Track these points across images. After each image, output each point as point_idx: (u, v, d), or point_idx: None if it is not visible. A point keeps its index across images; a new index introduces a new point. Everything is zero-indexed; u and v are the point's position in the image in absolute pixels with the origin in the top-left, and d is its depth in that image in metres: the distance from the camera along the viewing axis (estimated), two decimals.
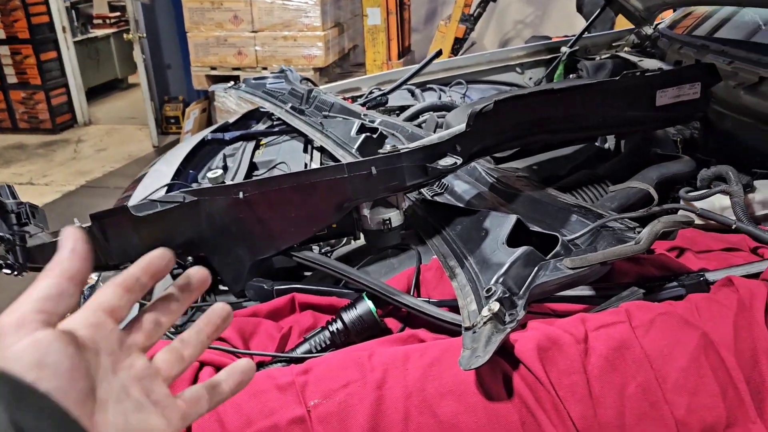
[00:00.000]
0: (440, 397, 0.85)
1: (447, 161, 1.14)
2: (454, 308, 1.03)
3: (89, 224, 1.16)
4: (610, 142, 1.66)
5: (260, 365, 1.05)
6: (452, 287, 1.11)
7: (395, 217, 1.20)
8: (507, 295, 0.92)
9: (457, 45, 5.03)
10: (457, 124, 1.96)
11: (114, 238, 1.16)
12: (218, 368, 0.98)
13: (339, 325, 1.05)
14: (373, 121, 1.94)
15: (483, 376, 0.85)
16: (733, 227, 1.09)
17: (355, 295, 1.13)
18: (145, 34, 6.14)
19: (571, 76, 2.39)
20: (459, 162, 1.13)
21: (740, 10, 2.56)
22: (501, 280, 0.98)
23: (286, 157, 1.98)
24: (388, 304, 1.07)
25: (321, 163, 1.97)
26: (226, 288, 1.31)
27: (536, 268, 0.97)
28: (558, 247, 1.01)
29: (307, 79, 2.52)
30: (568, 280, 0.93)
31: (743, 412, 0.80)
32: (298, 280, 1.30)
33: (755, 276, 0.96)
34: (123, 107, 8.35)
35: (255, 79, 2.60)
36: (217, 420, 0.88)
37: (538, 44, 2.91)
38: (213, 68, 5.02)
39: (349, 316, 1.05)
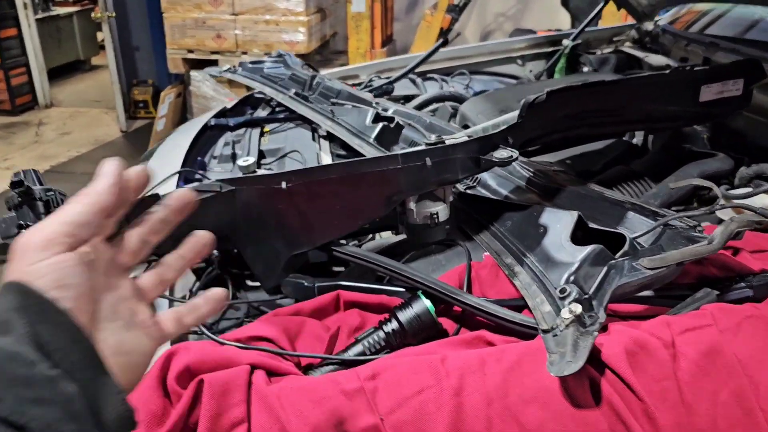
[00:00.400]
0: (524, 404, 0.80)
1: (502, 154, 1.09)
2: (517, 308, 0.98)
3: None
4: (638, 138, 1.63)
5: (308, 368, 0.98)
6: (510, 286, 1.07)
7: (443, 211, 1.14)
8: (585, 297, 0.87)
9: (443, 35, 4.97)
10: (473, 114, 1.92)
11: None
12: (269, 371, 0.92)
13: (394, 324, 0.99)
14: (386, 110, 1.88)
15: (568, 382, 0.80)
16: None
17: (405, 294, 1.07)
18: (114, 14, 5.91)
19: (585, 69, 2.36)
20: (515, 155, 1.08)
21: (736, 6, 2.58)
22: (572, 279, 0.93)
23: (296, 146, 1.90)
24: (444, 303, 1.02)
25: (331, 153, 1.90)
26: (256, 283, 1.24)
27: (606, 268, 0.93)
28: (626, 247, 0.97)
29: (309, 65, 2.43)
30: (648, 281, 0.90)
31: None
32: (331, 277, 1.24)
33: None
34: (86, 90, 8.04)
35: (252, 62, 2.50)
36: (281, 428, 0.82)
37: (539, 37, 2.89)
38: (190, 51, 4.85)
39: (405, 315, 0.99)
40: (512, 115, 1.21)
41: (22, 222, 0.90)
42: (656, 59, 2.41)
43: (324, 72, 2.66)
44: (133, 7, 6.34)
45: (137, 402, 0.84)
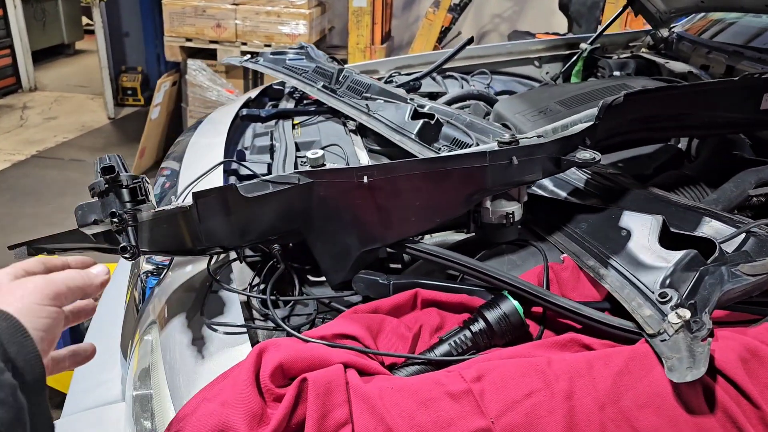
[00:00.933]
0: (638, 409, 0.79)
1: (584, 155, 1.08)
2: (602, 311, 0.97)
3: (181, 204, 1.03)
4: (683, 144, 1.64)
5: (391, 367, 0.96)
6: (591, 288, 1.06)
7: (518, 211, 1.13)
8: (691, 302, 0.87)
9: (443, 34, 4.97)
10: (511, 114, 1.90)
11: (209, 218, 1.04)
12: (360, 371, 0.89)
13: (482, 324, 0.97)
14: (422, 106, 1.86)
15: (682, 387, 0.79)
16: None
17: (485, 293, 1.05)
18: None
19: (616, 73, 2.36)
20: (598, 157, 1.07)
21: (745, 15, 2.62)
22: (668, 283, 0.93)
23: (330, 139, 1.87)
24: (531, 304, 1.00)
25: (365, 147, 1.87)
26: (319, 278, 1.21)
27: (698, 273, 0.92)
28: (716, 253, 0.96)
29: (334, 58, 2.40)
30: (749, 288, 0.89)
31: None
32: (395, 273, 1.21)
33: None
34: (71, 74, 7.85)
35: (273, 53, 2.45)
36: (387, 430, 0.79)
37: (557, 39, 2.90)
38: (188, 39, 4.76)
39: (492, 315, 0.97)
40: (585, 115, 1.20)
41: (114, 210, 0.86)
42: (677, 66, 2.43)
43: (349, 66, 2.63)
44: None
45: (234, 399, 0.81)
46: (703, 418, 0.78)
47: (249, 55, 2.45)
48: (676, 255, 0.96)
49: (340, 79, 2.18)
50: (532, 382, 0.82)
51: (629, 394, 0.80)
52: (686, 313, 0.84)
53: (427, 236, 1.35)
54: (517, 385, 0.82)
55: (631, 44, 2.86)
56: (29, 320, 0.62)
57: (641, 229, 1.04)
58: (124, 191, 0.89)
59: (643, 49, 2.78)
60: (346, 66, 2.29)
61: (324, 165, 1.18)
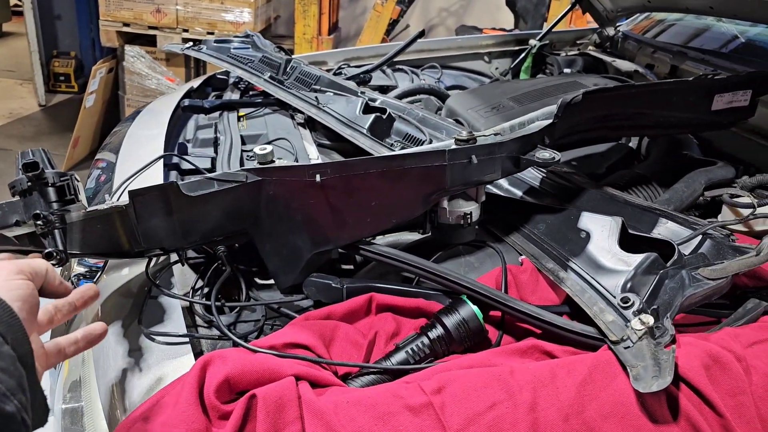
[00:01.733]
0: (602, 419, 0.77)
1: (544, 154, 1.05)
2: (560, 315, 0.95)
3: (116, 204, 0.95)
4: (632, 143, 1.65)
5: (345, 377, 0.91)
6: (552, 293, 1.03)
7: (476, 211, 1.09)
8: (654, 307, 0.85)
9: (391, 27, 4.92)
10: (462, 109, 1.87)
11: (147, 218, 0.96)
12: (312, 383, 0.83)
13: (440, 330, 0.93)
14: (373, 100, 1.80)
15: (645, 396, 0.77)
16: None
17: (444, 298, 1.01)
18: None
19: (559, 71, 2.37)
20: (558, 157, 1.04)
21: (686, 16, 2.68)
22: (628, 287, 0.91)
23: (277, 132, 1.79)
24: (490, 308, 0.97)
25: (314, 142, 1.81)
26: (267, 282, 1.15)
27: (657, 277, 0.91)
28: (675, 256, 0.95)
29: (281, 48, 2.31)
30: (710, 292, 0.88)
31: None
32: (349, 276, 1.16)
33: None
34: None
35: (216, 41, 2.34)
36: None
37: (506, 35, 2.89)
38: (126, 24, 4.54)
39: (451, 320, 0.93)
40: (542, 113, 1.17)
41: (38, 212, 0.77)
42: (623, 64, 2.46)
43: (297, 56, 2.54)
44: None
45: (175, 419, 0.75)
46: (666, 427, 0.76)
47: (192, 43, 2.33)
48: (637, 258, 0.94)
49: (288, 70, 2.10)
50: (495, 393, 0.78)
51: (593, 404, 0.78)
52: (649, 319, 0.82)
53: (379, 236, 1.31)
54: (479, 397, 0.78)
55: (578, 42, 2.89)
56: (5, 294, 0.66)
57: (600, 230, 1.02)
58: (50, 190, 0.81)
59: (590, 47, 2.81)
60: (294, 57, 2.22)
61: (273, 161, 1.11)
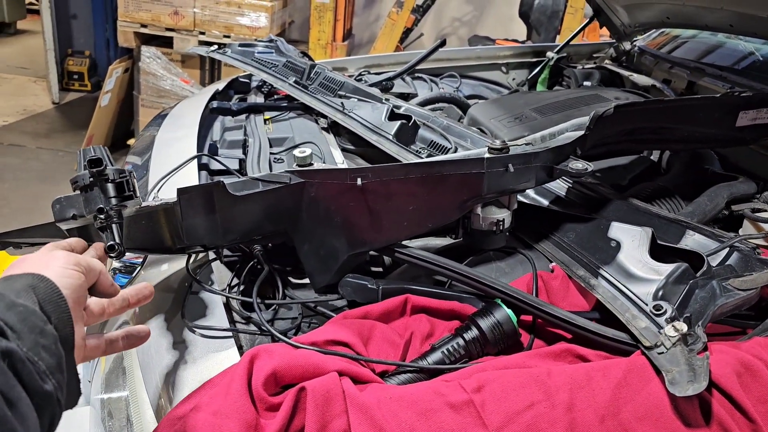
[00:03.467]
0: (636, 421, 0.79)
1: (577, 165, 1.08)
2: (593, 321, 0.97)
3: (165, 200, 0.98)
4: (654, 155, 1.68)
5: (382, 375, 0.94)
6: (581, 299, 1.06)
7: (508, 218, 1.12)
8: (687, 315, 0.88)
9: (404, 35, 4.97)
10: (486, 119, 1.91)
11: (192, 215, 1.00)
12: (354, 379, 0.86)
13: (475, 332, 0.96)
14: (398, 107, 1.84)
15: (679, 400, 0.80)
16: None
17: (476, 301, 1.04)
18: None
19: (578, 84, 2.40)
20: (590, 168, 1.08)
21: (702, 32, 2.71)
22: (660, 295, 0.94)
23: (303, 136, 1.83)
24: (523, 312, 1.00)
25: (338, 146, 1.84)
26: (302, 281, 1.18)
27: (688, 287, 0.94)
28: (704, 267, 0.98)
29: (305, 54, 2.35)
30: (740, 303, 0.91)
31: None
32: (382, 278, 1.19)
33: None
34: (11, 55, 7.46)
35: (241, 45, 2.38)
36: None
37: (524, 46, 2.93)
38: (143, 26, 4.59)
39: (486, 323, 0.96)
40: (574, 124, 1.20)
41: (101, 206, 0.80)
42: (640, 79, 2.49)
43: (318, 62, 2.58)
44: None
45: (228, 409, 0.77)
46: (699, 430, 0.79)
47: (216, 46, 2.37)
48: (668, 267, 0.97)
49: (312, 75, 2.14)
50: (533, 393, 0.81)
51: (628, 406, 0.80)
52: (683, 327, 0.85)
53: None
54: (518, 396, 0.81)
55: (594, 55, 2.92)
56: (58, 280, 0.69)
57: (631, 240, 1.05)
58: (110, 186, 0.84)
59: (606, 61, 2.85)
60: (317, 62, 2.25)
61: (311, 164, 1.14)
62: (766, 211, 1.33)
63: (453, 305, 1.03)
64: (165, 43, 4.70)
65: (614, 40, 2.86)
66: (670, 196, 1.40)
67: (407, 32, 5.02)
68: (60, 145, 4.93)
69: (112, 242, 0.83)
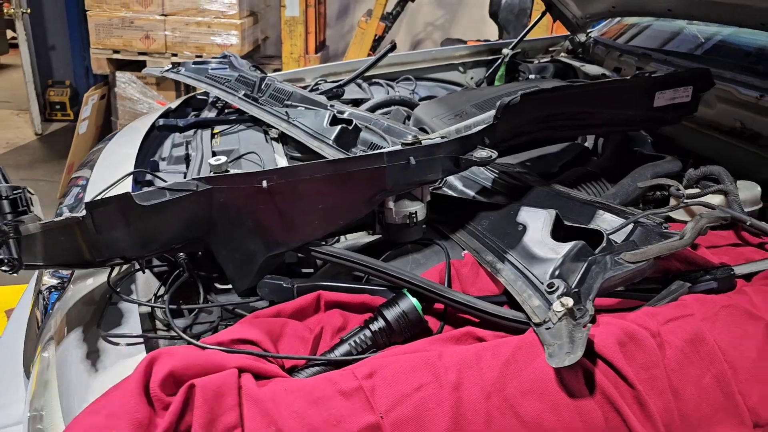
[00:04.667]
0: (521, 396, 0.82)
1: (482, 153, 1.11)
2: (498, 304, 1.00)
3: (73, 215, 1.01)
4: (589, 142, 1.70)
5: (293, 370, 0.96)
6: (490, 283, 1.08)
7: (421, 210, 1.15)
8: (575, 290, 0.90)
9: (375, 42, 5.01)
10: (429, 118, 1.94)
11: (106, 228, 1.02)
12: (256, 375, 0.89)
13: (381, 323, 0.98)
14: (342, 112, 1.87)
15: (563, 373, 0.82)
16: (747, 224, 1.15)
17: (388, 293, 1.07)
18: (29, 10, 5.58)
19: (531, 77, 2.43)
20: (494, 155, 1.10)
21: (658, 20, 2.74)
22: (557, 274, 0.96)
23: (249, 147, 1.86)
24: (429, 300, 1.02)
25: (285, 155, 1.87)
26: (226, 286, 1.20)
27: (587, 263, 0.96)
28: (603, 243, 1.01)
29: (257, 67, 2.39)
30: (630, 275, 0.93)
31: None
32: (301, 278, 1.21)
33: None
34: None
35: (195, 63, 2.42)
36: (277, 431, 0.79)
37: (480, 45, 2.96)
38: (116, 51, 4.64)
39: (392, 313, 0.98)
40: (487, 116, 1.23)
41: None
42: (592, 69, 2.52)
43: (275, 74, 2.62)
44: (50, 3, 6.00)
45: (120, 410, 0.80)
46: (582, 401, 0.81)
47: (170, 65, 2.41)
48: (566, 246, 1.00)
49: (262, 87, 2.17)
50: (423, 375, 0.83)
51: (514, 382, 0.82)
52: (569, 301, 0.87)
53: (342, 238, 1.36)
54: (407, 380, 0.83)
55: (551, 49, 2.95)
56: None
57: (535, 223, 1.08)
58: (4, 202, 0.87)
59: (562, 54, 2.88)
60: (270, 75, 2.29)
61: (227, 172, 1.17)
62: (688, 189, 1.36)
63: (364, 298, 1.05)
64: (139, 67, 4.75)
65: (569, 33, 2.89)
66: (596, 180, 1.43)
67: (379, 40, 5.06)
68: (41, 175, 4.97)
69: (2, 256, 0.86)
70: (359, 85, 2.58)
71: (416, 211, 1.14)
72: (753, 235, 1.23)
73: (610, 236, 1.08)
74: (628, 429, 0.80)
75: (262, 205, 1.06)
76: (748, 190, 1.40)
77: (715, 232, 1.26)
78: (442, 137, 1.20)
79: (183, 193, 1.04)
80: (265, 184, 1.04)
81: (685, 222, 1.31)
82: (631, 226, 1.08)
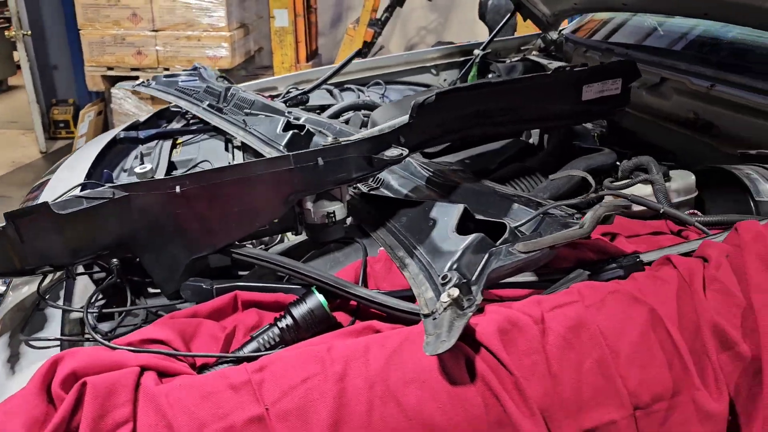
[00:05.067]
0: (404, 385, 0.84)
1: (393, 152, 1.14)
2: (408, 298, 1.02)
3: (2, 224, 1.05)
4: (534, 138, 1.72)
5: (204, 367, 0.99)
6: (403, 278, 1.11)
7: (339, 210, 1.18)
8: (464, 281, 0.92)
9: (366, 48, 5.05)
10: (382, 121, 1.96)
11: (31, 239, 1.06)
12: (161, 373, 0.92)
13: (288, 320, 1.01)
14: (298, 119, 1.91)
15: (445, 361, 0.84)
16: (661, 211, 1.16)
17: (301, 291, 1.09)
18: (29, 32, 5.71)
19: (489, 76, 2.46)
20: (405, 153, 1.13)
21: (635, 15, 2.75)
22: (455, 266, 0.98)
23: (208, 156, 1.90)
24: (338, 297, 1.05)
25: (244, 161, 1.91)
26: (157, 290, 1.24)
27: (487, 254, 0.98)
28: (506, 234, 1.03)
29: (224, 77, 2.44)
30: (522, 264, 0.95)
31: (688, 381, 0.85)
32: (236, 279, 1.25)
33: (688, 255, 1.02)
34: (1, 111, 7.71)
35: (166, 76, 2.48)
36: (167, 426, 0.82)
37: (451, 47, 2.98)
38: (110, 68, 4.75)
39: (298, 310, 1.01)
40: (405, 117, 1.26)
41: None
42: (556, 65, 2.53)
43: (247, 84, 2.68)
44: (51, 24, 6.14)
45: (17, 408, 0.83)
46: (462, 388, 0.83)
47: (141, 80, 2.47)
48: (467, 240, 1.02)
49: (227, 97, 2.22)
50: (310, 367, 0.86)
51: (398, 372, 0.85)
52: (455, 292, 0.89)
53: (286, 239, 1.40)
54: (295, 372, 0.86)
55: (523, 48, 2.97)
56: None
57: (444, 218, 1.10)
58: None
59: (534, 52, 2.89)
60: (236, 85, 2.34)
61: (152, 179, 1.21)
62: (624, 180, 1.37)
63: (278, 297, 1.08)
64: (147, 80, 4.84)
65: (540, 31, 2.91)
66: (531, 174, 1.44)
67: (369, 46, 5.11)
68: None
69: None
70: (330, 92, 2.62)
71: (334, 211, 1.17)
72: (677, 224, 1.24)
73: (523, 228, 1.10)
74: (506, 414, 0.82)
75: (179, 210, 1.09)
76: (681, 179, 1.41)
77: (642, 221, 1.27)
78: (362, 138, 1.22)
79: (100, 201, 1.07)
80: (178, 189, 1.07)
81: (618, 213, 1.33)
82: (540, 218, 1.10)
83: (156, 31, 4.65)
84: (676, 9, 2.00)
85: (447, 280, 0.94)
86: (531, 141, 1.72)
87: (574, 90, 1.38)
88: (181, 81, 2.46)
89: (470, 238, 1.01)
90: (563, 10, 2.68)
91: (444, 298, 0.89)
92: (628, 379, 0.85)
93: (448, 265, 0.99)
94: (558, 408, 0.84)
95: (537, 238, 0.98)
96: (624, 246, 1.15)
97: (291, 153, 1.08)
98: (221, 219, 1.11)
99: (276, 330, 1.01)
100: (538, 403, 0.83)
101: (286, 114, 1.95)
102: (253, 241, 1.35)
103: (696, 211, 1.38)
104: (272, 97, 2.44)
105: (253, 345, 1.00)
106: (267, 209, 1.12)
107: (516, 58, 2.84)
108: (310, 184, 1.11)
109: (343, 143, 1.11)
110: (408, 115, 1.20)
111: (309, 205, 1.17)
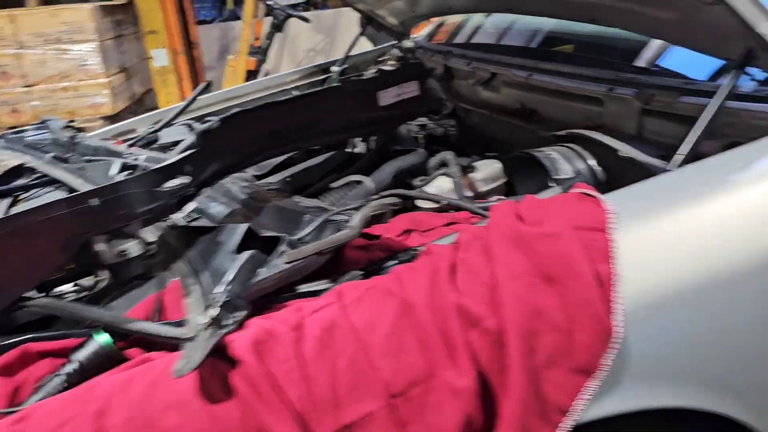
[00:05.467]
0: (163, 411, 0.85)
1: (173, 182, 1.15)
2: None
3: None
4: (361, 147, 1.77)
5: None
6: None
7: (133, 247, 1.18)
8: (227, 300, 0.94)
9: (252, 77, 5.06)
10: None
11: None
12: None
13: (74, 365, 1.01)
14: (137, 159, 1.89)
15: (204, 382, 0.86)
16: (444, 203, 1.21)
17: (89, 333, 1.09)
18: None
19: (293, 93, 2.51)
20: (187, 181, 1.15)
21: (489, 18, 2.87)
22: (230, 286, 1.00)
23: None
24: (125, 335, 1.05)
25: None
26: None
27: (248, 269, 1.01)
28: (283, 246, 1.06)
29: (71, 126, 2.39)
30: (286, 274, 0.98)
31: (440, 362, 0.89)
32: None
33: None
34: None
35: (13, 132, 2.41)
36: None
37: (310, 66, 3.03)
38: None
39: (82, 354, 1.01)
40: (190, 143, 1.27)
41: None
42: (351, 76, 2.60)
43: (103, 129, 2.64)
44: None
45: None
46: (219, 406, 0.85)
47: None
48: (243, 258, 1.04)
49: (72, 146, 2.18)
50: (69, 410, 0.86)
51: (158, 398, 0.86)
52: (215, 312, 0.91)
53: None
54: (55, 417, 0.86)
55: (380, 59, 3.04)
56: None
57: (228, 240, 1.12)
58: None
59: (390, 62, 2.97)
60: (82, 134, 2.30)
61: None
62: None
63: (67, 343, 1.07)
64: None
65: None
66: (347, 185, 1.48)
67: (254, 74, 5.12)
68: None
69: None
70: (190, 126, 2.61)
71: (127, 248, 1.17)
72: (476, 215, 1.30)
73: (307, 237, 1.14)
74: (263, 424, 0.84)
75: None
76: (487, 168, 1.48)
77: (446, 214, 1.33)
78: (150, 171, 1.23)
79: None
80: None
81: (427, 209, 1.38)
82: (322, 225, 1.13)
83: (29, 86, 4.52)
84: (486, 6, 2.10)
85: (215, 300, 0.96)
86: (357, 150, 1.77)
87: (370, 97, 1.44)
88: (29, 136, 2.39)
89: (243, 255, 1.03)
90: (407, 19, 2.77)
91: (203, 319, 0.91)
92: (381, 370, 0.88)
93: (222, 284, 1.00)
94: (316, 408, 0.86)
95: (302, 247, 1.01)
96: (415, 240, 1.20)
97: (62, 198, 1.08)
98: (2, 273, 1.10)
99: (62, 377, 1.00)
100: (296, 407, 0.85)
101: (124, 156, 1.93)
102: (76, 285, 1.33)
103: (501, 197, 1.45)
104: (123, 141, 2.41)
105: (39, 395, 0.99)
106: (48, 258, 1.11)
107: (372, 70, 2.91)
108: (89, 226, 1.11)
109: (117, 181, 1.12)
110: (194, 143, 1.22)
111: (101, 246, 1.17)
